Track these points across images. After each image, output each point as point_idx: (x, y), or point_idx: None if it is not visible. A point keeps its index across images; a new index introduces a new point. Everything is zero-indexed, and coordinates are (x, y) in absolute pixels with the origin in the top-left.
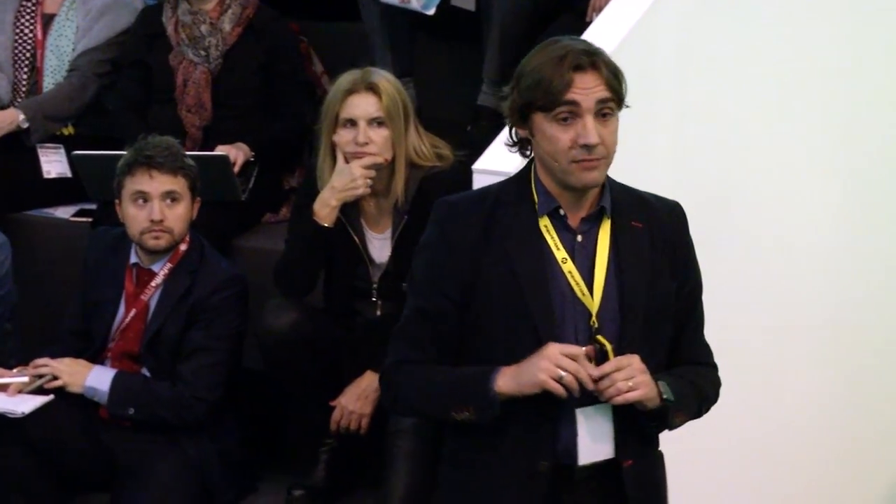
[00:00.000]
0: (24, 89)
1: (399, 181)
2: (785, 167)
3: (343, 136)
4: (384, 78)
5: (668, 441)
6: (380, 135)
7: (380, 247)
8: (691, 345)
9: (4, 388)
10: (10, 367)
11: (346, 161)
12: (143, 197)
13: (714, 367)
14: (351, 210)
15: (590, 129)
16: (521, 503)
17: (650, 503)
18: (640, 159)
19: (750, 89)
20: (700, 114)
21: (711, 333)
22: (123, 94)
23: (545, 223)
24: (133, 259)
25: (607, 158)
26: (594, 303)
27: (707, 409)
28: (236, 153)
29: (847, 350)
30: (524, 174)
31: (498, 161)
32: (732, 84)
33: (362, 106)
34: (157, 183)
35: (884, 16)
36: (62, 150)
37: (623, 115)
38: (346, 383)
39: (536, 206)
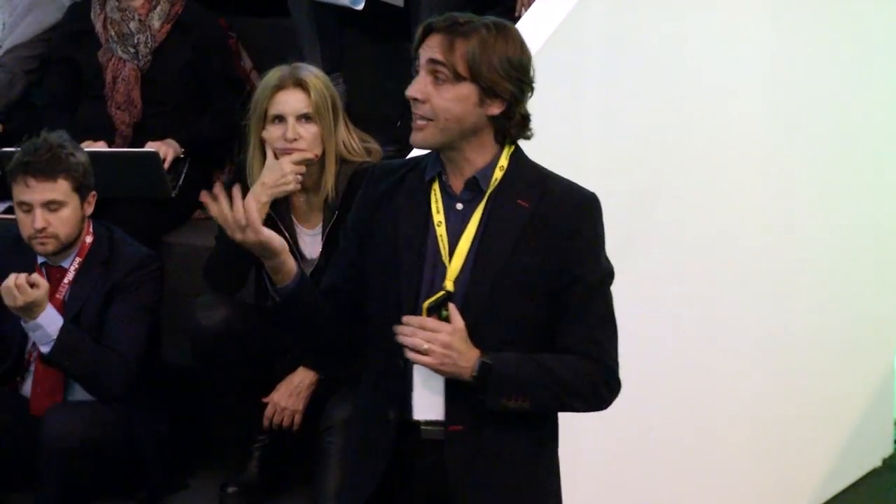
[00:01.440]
0: None
1: (329, 176)
2: (712, 162)
3: (272, 133)
4: (312, 74)
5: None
6: (309, 131)
7: (311, 242)
8: (574, 336)
9: None
10: None
11: (276, 157)
12: (26, 205)
13: (599, 363)
14: (281, 206)
15: (415, 81)
16: (372, 449)
17: (477, 475)
18: (568, 153)
19: (678, 84)
20: (628, 108)
21: (637, 328)
22: (51, 91)
23: (434, 188)
24: (41, 259)
25: (436, 122)
26: (452, 267)
27: (578, 403)
28: (166, 150)
29: (773, 346)
30: None
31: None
32: (660, 78)
33: (291, 102)
34: (35, 193)
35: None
36: None
37: (552, 108)
38: (277, 380)
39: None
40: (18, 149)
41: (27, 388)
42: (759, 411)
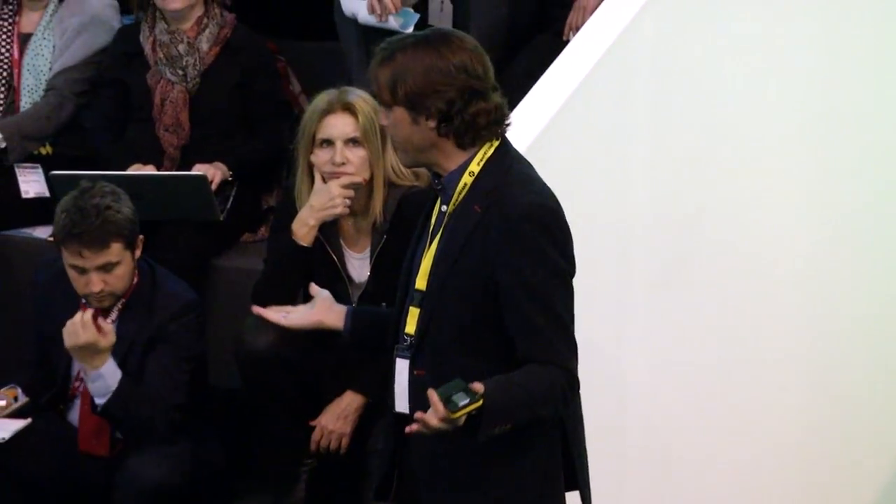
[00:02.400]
0: (0, 109)
1: (377, 200)
2: (760, 183)
3: (320, 157)
4: (361, 98)
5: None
6: (357, 155)
7: (359, 266)
8: (530, 344)
9: None
10: None
11: (324, 181)
12: (80, 269)
13: (560, 368)
14: (330, 229)
15: None
16: (386, 434)
17: (439, 470)
18: (616, 175)
19: (725, 106)
20: (676, 131)
21: (685, 346)
22: (101, 114)
23: (438, 201)
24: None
25: (397, 147)
26: (423, 267)
27: (548, 411)
28: (213, 172)
29: (826, 361)
30: None
31: None
32: (708, 101)
33: (339, 126)
34: (88, 260)
35: (861, 23)
36: (40, 170)
37: (600, 131)
38: (325, 403)
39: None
40: (68, 172)
41: (73, 416)
42: (810, 426)
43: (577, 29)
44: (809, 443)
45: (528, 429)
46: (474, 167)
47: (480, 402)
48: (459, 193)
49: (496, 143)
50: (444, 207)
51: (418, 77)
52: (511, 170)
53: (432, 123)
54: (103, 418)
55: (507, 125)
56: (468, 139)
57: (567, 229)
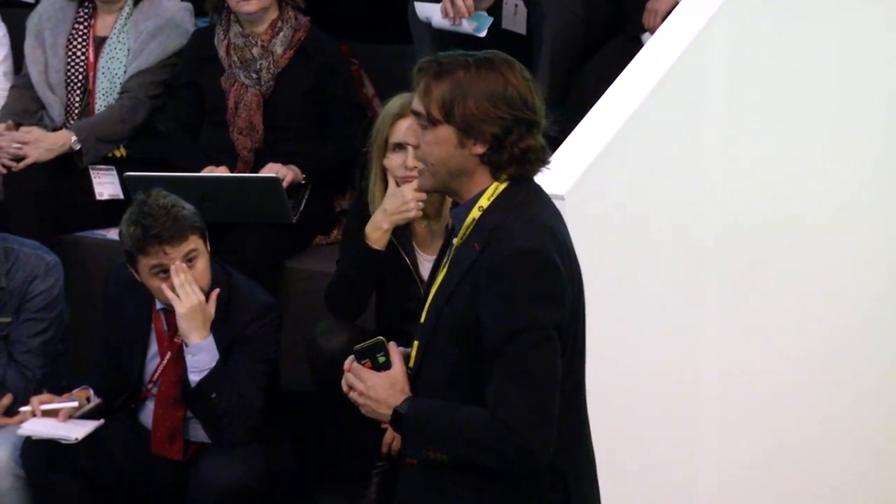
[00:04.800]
0: (76, 111)
1: (449, 203)
2: (836, 189)
3: (393, 160)
4: None
5: None
6: None
7: (431, 269)
8: (490, 391)
9: (54, 414)
10: (62, 389)
11: (397, 185)
12: (163, 269)
13: (505, 424)
14: (403, 232)
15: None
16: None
17: None
18: (690, 182)
19: (801, 112)
20: (749, 136)
21: (760, 355)
22: (175, 116)
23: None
24: (159, 304)
25: (426, 168)
26: (428, 302)
27: (492, 462)
28: (285, 172)
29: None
30: None
31: (550, 183)
32: (781, 106)
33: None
34: (171, 256)
35: None
36: (114, 172)
37: (673, 136)
38: None
39: None
40: (142, 174)
41: (145, 418)
42: (892, 433)
43: (651, 32)
44: (891, 449)
45: (511, 488)
46: (484, 202)
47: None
48: (468, 228)
49: (507, 182)
50: (454, 239)
51: (481, 100)
52: (519, 208)
53: (480, 149)
54: (178, 409)
55: (548, 165)
56: (510, 171)
57: (560, 276)
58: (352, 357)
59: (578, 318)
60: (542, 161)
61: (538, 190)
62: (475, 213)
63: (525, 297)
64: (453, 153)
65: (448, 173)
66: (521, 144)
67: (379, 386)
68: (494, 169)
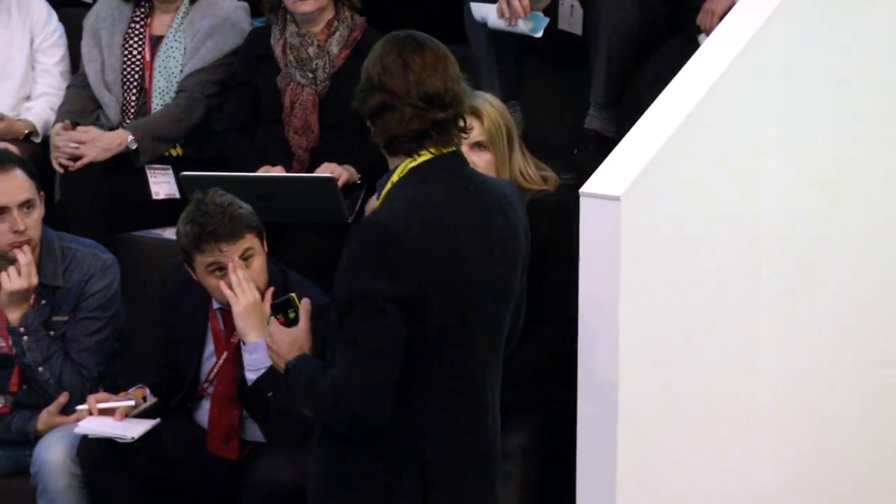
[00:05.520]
0: (132, 110)
1: None
2: (891, 185)
3: None
4: (487, 101)
5: None
6: (482, 158)
7: None
8: (335, 357)
9: (110, 413)
10: (119, 387)
11: None
12: (220, 267)
13: (339, 394)
14: None
15: None
16: None
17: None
18: (747, 178)
19: (858, 112)
20: (806, 135)
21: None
22: (231, 116)
23: None
24: (216, 304)
25: None
26: None
27: (329, 418)
28: (340, 171)
29: None
30: None
31: (605, 184)
32: (838, 105)
33: None
34: (227, 254)
35: None
36: (170, 171)
37: (730, 136)
38: None
39: None
40: (199, 174)
41: (201, 417)
42: None
43: (707, 32)
44: None
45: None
46: (395, 176)
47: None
48: (382, 200)
49: (421, 158)
50: None
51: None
52: (413, 185)
53: (368, 122)
54: (234, 409)
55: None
56: (398, 151)
57: (402, 252)
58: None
59: (456, 307)
60: (419, 144)
61: (451, 166)
62: (388, 187)
63: (359, 267)
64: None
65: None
66: (384, 125)
67: (281, 341)
68: (385, 147)
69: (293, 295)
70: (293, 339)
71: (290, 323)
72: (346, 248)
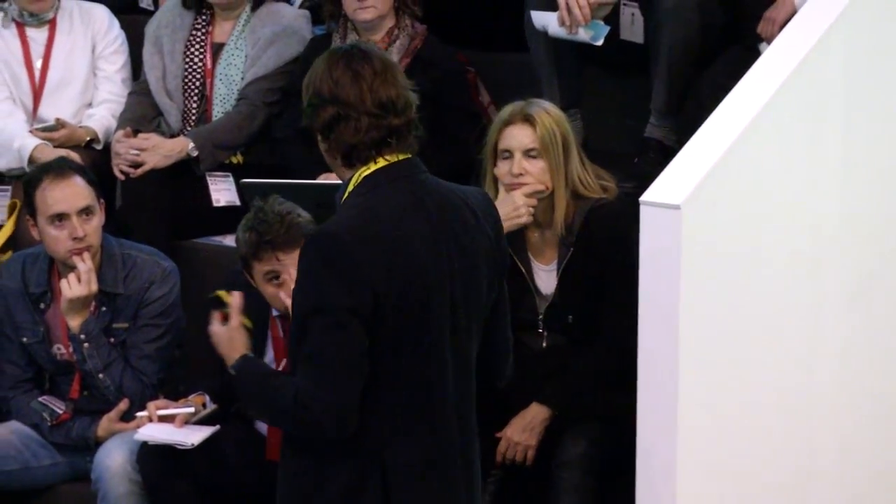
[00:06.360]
0: (193, 118)
1: (559, 212)
2: None
3: (501, 167)
4: (543, 109)
5: None
6: (535, 166)
7: (546, 278)
8: (298, 367)
9: (170, 419)
10: (178, 394)
11: (507, 191)
12: (276, 276)
13: (301, 405)
14: (517, 241)
15: None
16: None
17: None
18: (808, 189)
19: None
20: (867, 143)
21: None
22: (291, 123)
23: None
24: (275, 311)
25: None
26: None
27: (288, 426)
28: None
29: None
30: None
31: (666, 193)
32: None
33: (518, 137)
34: (284, 263)
35: None
36: (231, 179)
37: (791, 144)
38: (511, 415)
39: None
40: (259, 181)
41: (260, 424)
42: None
43: (768, 41)
44: None
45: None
46: (350, 186)
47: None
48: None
49: (376, 165)
50: None
51: (309, 90)
52: (366, 194)
53: (319, 137)
54: None
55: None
56: (351, 161)
57: (354, 262)
58: None
59: (413, 314)
60: (377, 152)
61: (405, 173)
62: (345, 196)
63: (314, 280)
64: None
65: (328, 164)
66: (339, 137)
67: (219, 339)
68: (341, 159)
69: (220, 292)
70: (229, 339)
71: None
72: (300, 261)
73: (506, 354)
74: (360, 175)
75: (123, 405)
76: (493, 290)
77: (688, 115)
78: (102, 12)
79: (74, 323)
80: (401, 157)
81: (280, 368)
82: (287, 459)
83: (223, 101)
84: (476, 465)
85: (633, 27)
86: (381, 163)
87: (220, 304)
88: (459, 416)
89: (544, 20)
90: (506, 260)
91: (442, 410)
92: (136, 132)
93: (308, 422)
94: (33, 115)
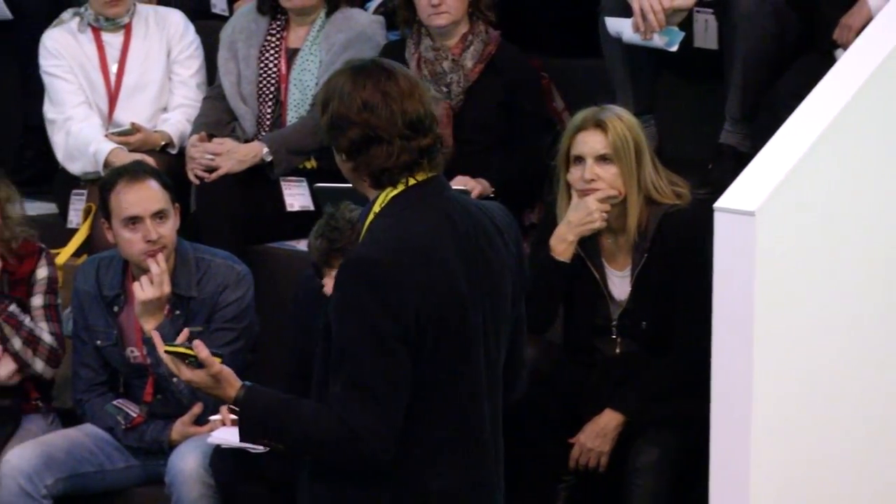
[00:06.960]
0: (268, 123)
1: (632, 217)
2: None
3: (573, 173)
4: (615, 115)
5: None
6: (608, 172)
7: (619, 284)
8: (336, 394)
9: None
10: None
11: (580, 197)
12: None
13: (342, 422)
14: (591, 247)
15: None
16: None
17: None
18: (884, 196)
19: None
20: None
21: None
22: None
23: None
24: None
25: None
26: None
27: (330, 456)
28: (473, 185)
29: None
30: None
31: (740, 199)
32: None
33: (589, 143)
34: None
35: None
36: (305, 184)
37: (868, 151)
38: (584, 420)
39: None
40: (333, 185)
41: None
42: None
43: (844, 47)
44: None
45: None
46: (377, 207)
47: (189, 352)
48: (364, 233)
49: (405, 185)
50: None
51: (338, 109)
52: (397, 215)
53: (341, 159)
54: None
55: (416, 173)
56: (381, 182)
57: (397, 287)
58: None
59: (454, 335)
60: (408, 168)
61: (433, 192)
62: (370, 218)
63: (357, 307)
64: (337, 159)
65: (348, 179)
66: (370, 160)
67: (203, 383)
68: (370, 179)
69: (179, 347)
70: (212, 378)
71: (198, 366)
72: (338, 286)
73: (521, 370)
74: (387, 195)
75: (197, 409)
76: (516, 307)
77: (762, 122)
78: (178, 17)
79: (148, 326)
80: (428, 175)
81: None
82: (318, 488)
83: (297, 106)
84: (502, 485)
85: (706, 34)
86: (411, 181)
87: (183, 357)
88: (493, 434)
89: (619, 26)
90: (526, 276)
91: (480, 433)
92: (210, 137)
93: (355, 449)
94: (109, 119)
